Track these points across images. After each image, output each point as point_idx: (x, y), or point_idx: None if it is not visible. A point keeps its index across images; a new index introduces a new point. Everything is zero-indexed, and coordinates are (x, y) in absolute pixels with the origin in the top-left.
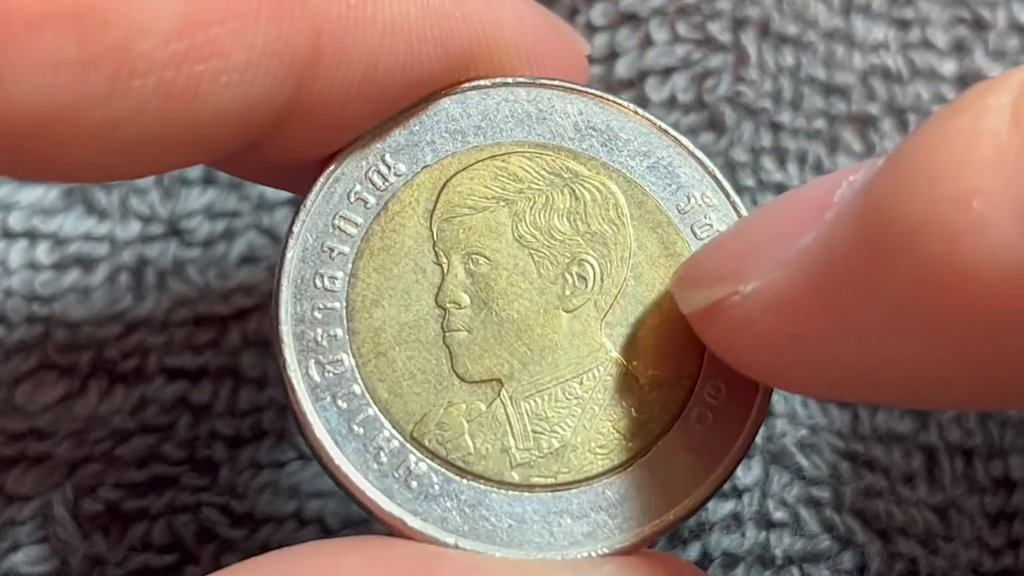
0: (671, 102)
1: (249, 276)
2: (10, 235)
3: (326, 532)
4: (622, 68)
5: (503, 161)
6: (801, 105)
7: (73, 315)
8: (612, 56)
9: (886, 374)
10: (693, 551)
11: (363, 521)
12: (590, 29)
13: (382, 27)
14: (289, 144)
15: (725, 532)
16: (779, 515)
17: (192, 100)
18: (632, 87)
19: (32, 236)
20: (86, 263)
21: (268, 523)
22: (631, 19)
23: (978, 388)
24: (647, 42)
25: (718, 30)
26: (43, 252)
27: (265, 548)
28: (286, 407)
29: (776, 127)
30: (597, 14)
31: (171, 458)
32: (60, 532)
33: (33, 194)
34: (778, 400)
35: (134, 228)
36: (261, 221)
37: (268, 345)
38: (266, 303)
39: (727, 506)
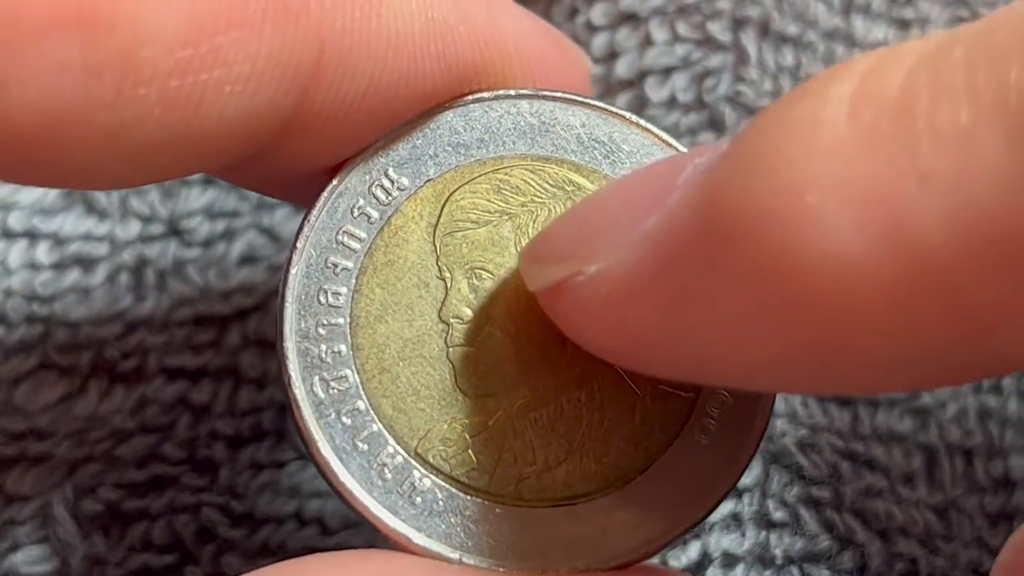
0: (671, 102)
1: (249, 276)
2: (10, 235)
3: (326, 532)
4: (622, 68)
5: (506, 174)
6: None
7: (73, 315)
8: (612, 56)
9: (726, 358)
10: (693, 551)
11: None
12: (590, 29)
13: (386, 40)
14: (291, 155)
15: (725, 532)
16: (779, 515)
17: (196, 109)
18: (632, 87)
19: (32, 236)
20: (86, 263)
21: (268, 523)
22: (631, 19)
23: (814, 374)
24: (647, 42)
25: (718, 30)
26: (43, 252)
27: (265, 548)
28: (286, 408)
29: None
30: (597, 14)
31: (171, 458)
32: (60, 532)
33: (33, 194)
34: (778, 400)
35: (134, 228)
36: (261, 221)
37: (268, 345)
38: (266, 303)
39: (727, 506)
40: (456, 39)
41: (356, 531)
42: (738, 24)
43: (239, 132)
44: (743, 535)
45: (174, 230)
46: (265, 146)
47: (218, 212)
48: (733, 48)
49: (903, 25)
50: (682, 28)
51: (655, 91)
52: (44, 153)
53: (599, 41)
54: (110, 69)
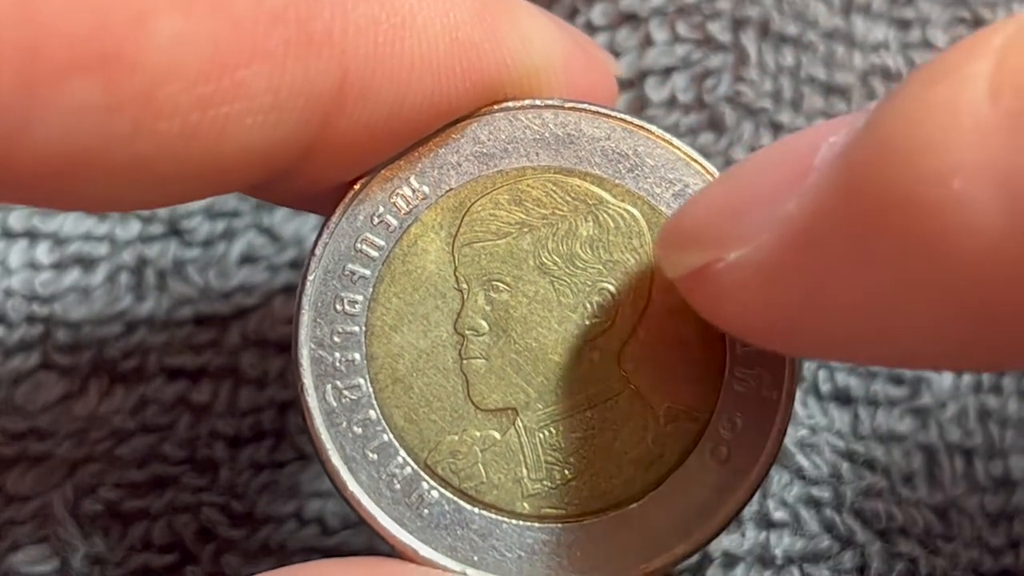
0: (671, 102)
1: (249, 276)
2: (10, 235)
3: (326, 532)
4: (622, 68)
5: (528, 186)
6: (801, 105)
7: (73, 315)
8: (612, 56)
9: (873, 338)
10: None
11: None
12: (590, 29)
13: (410, 64)
14: (314, 174)
15: (725, 532)
16: (779, 515)
17: (217, 140)
18: (632, 87)
19: (32, 236)
20: (86, 263)
21: (268, 523)
22: (631, 19)
23: (962, 351)
24: (647, 42)
25: (718, 30)
26: (43, 252)
27: (265, 548)
28: (286, 407)
29: (776, 127)
30: (597, 14)
31: (171, 458)
32: (60, 532)
33: None
34: None
35: (134, 228)
36: (261, 221)
37: (268, 345)
38: (266, 303)
39: None
40: (481, 57)
41: (356, 531)
42: (738, 24)
43: (260, 159)
44: (743, 535)
45: (174, 230)
46: (287, 169)
47: (218, 212)
48: (733, 48)
49: (903, 25)
50: (682, 28)
51: (655, 91)
52: (65, 186)
53: (599, 41)
54: (130, 107)
